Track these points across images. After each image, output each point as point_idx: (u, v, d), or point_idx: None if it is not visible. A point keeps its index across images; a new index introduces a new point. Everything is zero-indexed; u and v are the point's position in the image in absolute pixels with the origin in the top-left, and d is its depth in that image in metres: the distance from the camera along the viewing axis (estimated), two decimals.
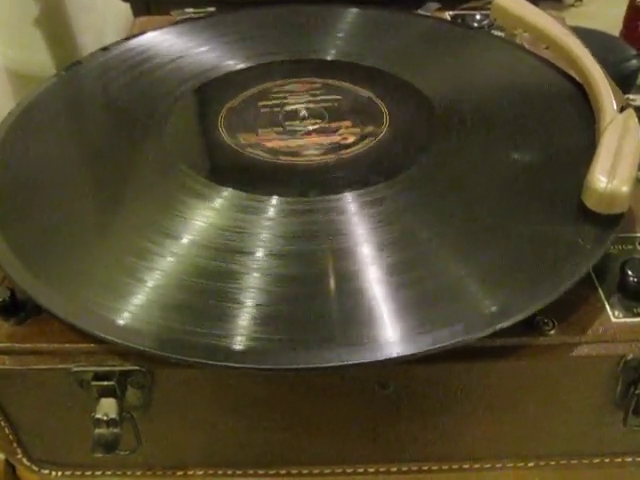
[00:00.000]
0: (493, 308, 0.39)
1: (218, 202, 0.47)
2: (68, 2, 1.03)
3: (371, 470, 0.48)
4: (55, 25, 1.01)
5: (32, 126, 0.57)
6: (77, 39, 1.05)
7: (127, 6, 0.99)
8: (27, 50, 0.94)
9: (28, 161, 0.53)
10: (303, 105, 0.58)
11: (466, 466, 0.48)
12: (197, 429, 0.46)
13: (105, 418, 0.41)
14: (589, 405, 0.45)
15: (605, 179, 0.43)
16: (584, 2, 2.63)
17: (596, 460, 0.48)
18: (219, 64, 0.64)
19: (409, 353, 0.37)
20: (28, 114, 0.58)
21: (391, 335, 0.38)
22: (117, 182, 0.50)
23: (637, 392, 0.43)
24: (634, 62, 1.53)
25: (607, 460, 0.48)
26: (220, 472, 0.48)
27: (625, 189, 0.43)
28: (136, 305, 0.40)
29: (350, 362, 0.37)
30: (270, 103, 0.59)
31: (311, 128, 0.56)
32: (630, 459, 0.48)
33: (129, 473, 0.48)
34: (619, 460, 0.48)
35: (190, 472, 0.48)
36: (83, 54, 1.05)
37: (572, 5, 2.65)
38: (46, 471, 0.48)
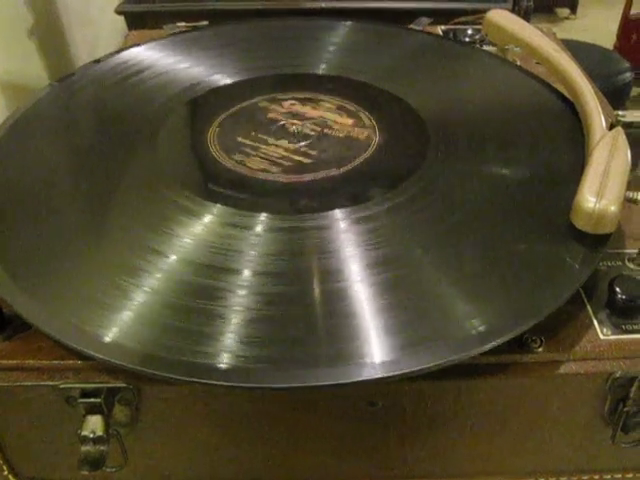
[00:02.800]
0: (481, 327, 0.39)
1: (206, 219, 0.47)
2: (62, 14, 1.04)
3: None
4: (49, 37, 1.01)
5: (24, 139, 0.57)
6: (71, 51, 1.05)
7: (121, 19, 0.99)
8: (21, 61, 0.94)
9: (19, 174, 0.53)
10: (293, 121, 0.58)
11: None
12: (184, 445, 0.46)
13: (92, 435, 0.41)
14: (578, 422, 0.45)
15: (593, 199, 0.43)
16: (578, 15, 2.66)
17: (585, 477, 0.48)
18: (209, 78, 0.65)
19: (396, 373, 0.37)
20: (19, 126, 0.58)
21: (378, 355, 0.38)
22: (107, 197, 0.50)
23: (625, 409, 0.43)
24: (628, 75, 1.54)
25: (596, 477, 0.48)
26: None
27: (613, 209, 0.43)
28: (123, 322, 0.40)
29: (335, 382, 0.37)
30: (260, 118, 0.59)
31: (291, 145, 0.56)
32: (619, 476, 0.48)
33: None
34: (608, 477, 0.48)
35: None
36: (77, 66, 1.06)
37: (566, 18, 2.67)
38: None
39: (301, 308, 0.41)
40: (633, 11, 2.11)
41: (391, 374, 0.37)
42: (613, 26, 2.16)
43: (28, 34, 0.95)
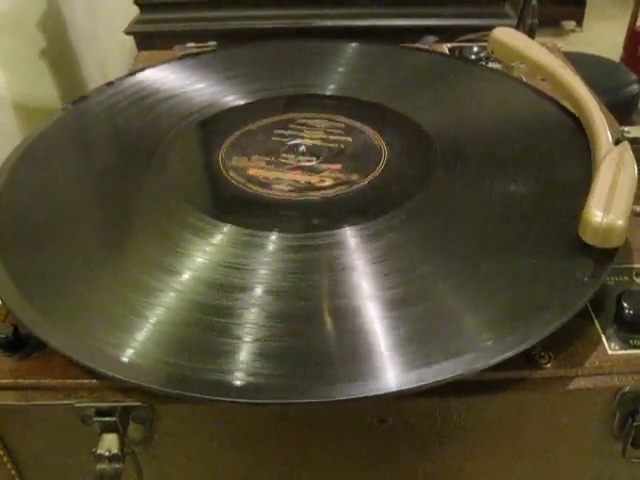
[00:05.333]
0: (490, 342, 0.40)
1: (218, 238, 0.48)
2: (72, 35, 1.05)
3: None
4: (60, 58, 1.02)
5: (38, 161, 0.58)
6: (82, 71, 1.07)
7: (130, 38, 1.00)
8: (33, 83, 0.96)
9: (33, 196, 0.54)
10: (303, 141, 0.59)
11: None
12: (198, 463, 0.46)
13: (107, 454, 0.41)
14: (587, 437, 0.45)
15: (601, 213, 0.44)
16: (584, 28, 2.67)
17: None
18: (220, 99, 0.65)
19: (407, 387, 0.38)
20: (34, 149, 0.59)
21: (389, 370, 0.38)
22: (120, 218, 0.51)
23: (635, 424, 0.43)
24: (635, 87, 1.55)
25: None
26: None
27: (621, 223, 0.44)
28: (137, 341, 0.41)
29: (348, 397, 0.37)
30: (270, 138, 0.60)
31: (301, 164, 0.56)
32: None
33: None
34: None
35: None
36: (88, 86, 1.07)
37: (572, 31, 2.68)
38: None
39: (313, 325, 0.42)
40: (639, 23, 2.12)
41: (401, 389, 0.38)
42: (619, 39, 2.17)
43: (40, 55, 0.97)
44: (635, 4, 2.13)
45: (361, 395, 0.37)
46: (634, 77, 1.57)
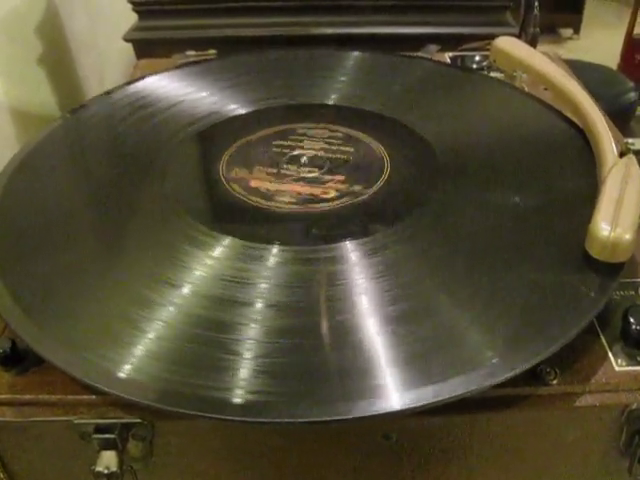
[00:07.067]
0: (495, 360, 0.39)
1: (219, 251, 0.47)
2: (71, 41, 1.05)
3: None
4: (58, 64, 1.02)
5: (35, 171, 0.57)
6: (80, 78, 1.06)
7: (129, 45, 1.00)
8: (30, 88, 0.95)
9: (31, 208, 0.53)
10: (304, 151, 0.59)
11: None
12: None
13: (106, 471, 0.40)
14: (593, 454, 0.44)
15: (608, 228, 0.44)
16: (581, 36, 2.67)
17: None
18: (221, 108, 0.65)
19: (410, 407, 0.37)
20: (31, 159, 0.58)
21: (392, 389, 0.38)
22: (119, 230, 0.50)
23: None
24: (632, 94, 1.55)
25: None
26: None
27: (628, 237, 0.43)
28: (137, 357, 0.40)
29: (349, 417, 0.37)
30: (271, 149, 0.59)
31: (304, 176, 0.56)
32: None
33: None
34: None
35: None
36: (86, 93, 1.07)
37: (569, 38, 2.69)
38: None
39: (314, 341, 0.41)
40: (637, 31, 2.13)
41: (404, 408, 0.37)
42: (616, 46, 2.17)
43: (38, 61, 0.96)
44: (632, 12, 2.14)
45: (362, 414, 0.37)
46: (631, 85, 1.57)
